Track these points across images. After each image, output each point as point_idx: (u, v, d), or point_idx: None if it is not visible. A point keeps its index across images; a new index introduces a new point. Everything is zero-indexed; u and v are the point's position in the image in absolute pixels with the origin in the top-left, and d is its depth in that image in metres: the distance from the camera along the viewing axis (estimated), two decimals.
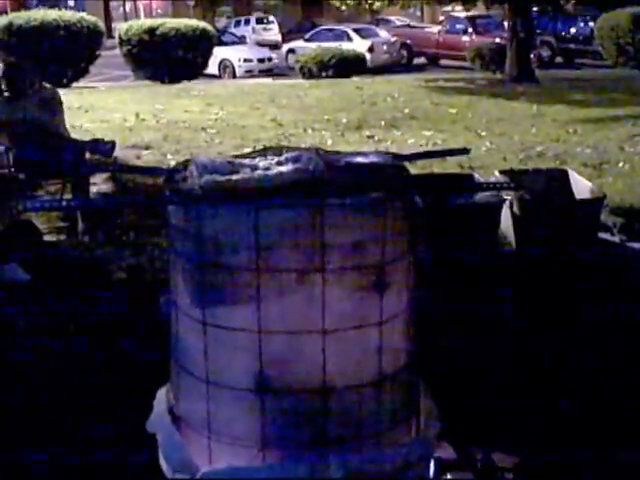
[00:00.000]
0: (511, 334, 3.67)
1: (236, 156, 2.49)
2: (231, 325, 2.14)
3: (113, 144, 5.73)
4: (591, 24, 21.20)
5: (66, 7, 18.01)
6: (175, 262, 2.28)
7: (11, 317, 3.81)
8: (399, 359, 2.27)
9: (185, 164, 2.36)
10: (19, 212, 5.16)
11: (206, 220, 2.11)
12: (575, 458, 2.75)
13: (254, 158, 2.39)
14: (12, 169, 5.46)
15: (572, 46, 22.26)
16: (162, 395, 2.48)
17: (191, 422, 2.28)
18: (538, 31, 20.21)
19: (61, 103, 5.77)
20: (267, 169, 2.23)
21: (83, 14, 17.48)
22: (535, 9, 19.47)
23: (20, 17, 16.42)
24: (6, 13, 17.89)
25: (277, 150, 2.47)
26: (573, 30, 22.94)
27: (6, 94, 5.77)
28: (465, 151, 2.99)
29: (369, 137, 9.44)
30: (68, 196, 5.56)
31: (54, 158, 5.28)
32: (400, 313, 2.24)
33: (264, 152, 2.47)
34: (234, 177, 2.17)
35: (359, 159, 2.42)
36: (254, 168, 2.25)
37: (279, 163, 2.28)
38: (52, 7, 17.60)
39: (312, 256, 2.07)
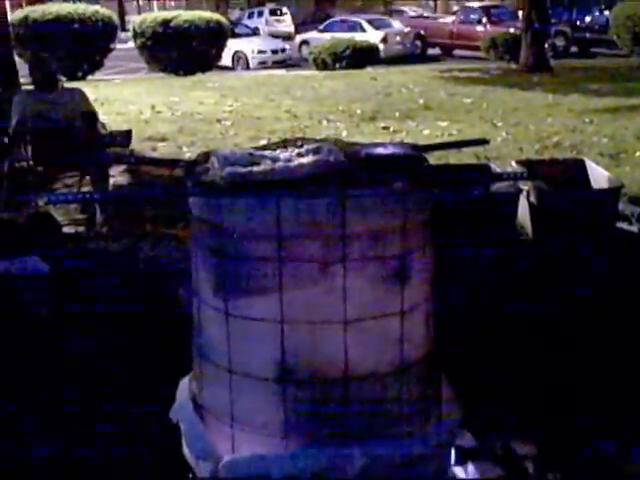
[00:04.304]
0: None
1: (256, 148, 2.50)
2: (253, 315, 2.16)
3: (129, 133, 5.76)
4: (606, 13, 21.05)
5: (80, 0, 18.00)
6: (197, 253, 2.30)
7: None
8: (420, 349, 2.28)
9: (205, 156, 2.38)
10: (38, 204, 5.21)
11: (228, 211, 2.13)
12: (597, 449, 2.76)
13: (274, 150, 2.40)
14: (30, 162, 5.51)
15: (587, 35, 22.09)
16: (185, 384, 2.51)
17: (214, 411, 2.30)
18: (553, 20, 20.06)
19: (86, 99, 5.80)
20: (288, 161, 2.25)
21: (97, 7, 17.52)
22: None
23: (35, 11, 16.49)
24: (22, 7, 17.94)
25: (297, 142, 2.48)
26: (588, 19, 22.77)
27: (31, 87, 5.83)
28: (484, 142, 2.99)
29: (384, 128, 9.42)
30: (85, 189, 5.61)
31: (72, 151, 5.32)
32: (421, 303, 2.25)
33: (284, 144, 2.49)
34: (255, 169, 2.18)
35: (379, 150, 2.43)
36: (275, 160, 2.27)
37: (300, 155, 2.29)
38: (66, 0, 17.62)
39: (334, 247, 2.09)
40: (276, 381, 2.16)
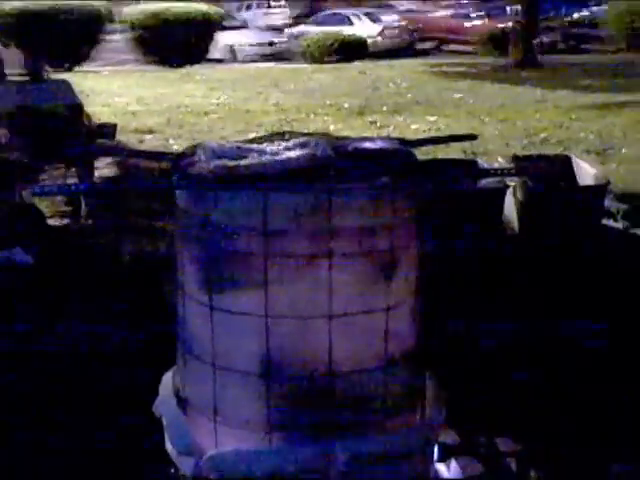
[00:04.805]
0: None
1: (244, 141, 2.49)
2: (238, 310, 2.14)
3: (115, 127, 5.75)
4: (594, 9, 21.11)
5: None
6: (182, 246, 2.28)
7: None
8: (405, 345, 2.27)
9: (192, 149, 2.36)
10: (22, 196, 5.17)
11: (214, 205, 2.12)
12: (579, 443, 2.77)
13: (262, 143, 2.39)
14: (16, 153, 5.47)
15: (576, 31, 22.14)
16: (168, 379, 2.49)
17: (197, 406, 2.28)
18: (542, 16, 20.09)
19: (72, 91, 5.78)
20: (275, 154, 2.23)
21: None
22: None
23: (22, 1, 16.38)
24: None
25: (284, 135, 2.47)
26: (577, 15, 22.82)
27: (16, 78, 5.80)
28: (472, 137, 3.00)
29: (372, 122, 9.43)
30: (70, 180, 5.58)
31: (58, 143, 5.29)
32: (407, 299, 2.25)
33: (271, 137, 2.47)
34: (242, 162, 2.17)
35: (367, 144, 2.41)
36: (262, 153, 2.25)
37: (287, 148, 2.28)
38: None
39: (320, 241, 2.07)
40: (260, 376, 2.15)
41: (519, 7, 16.24)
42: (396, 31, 22.19)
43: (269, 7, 30.90)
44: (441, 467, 2.54)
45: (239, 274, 2.13)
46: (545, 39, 20.78)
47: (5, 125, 5.45)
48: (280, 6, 31.08)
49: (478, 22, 21.54)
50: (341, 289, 2.11)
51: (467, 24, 21.87)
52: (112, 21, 21.86)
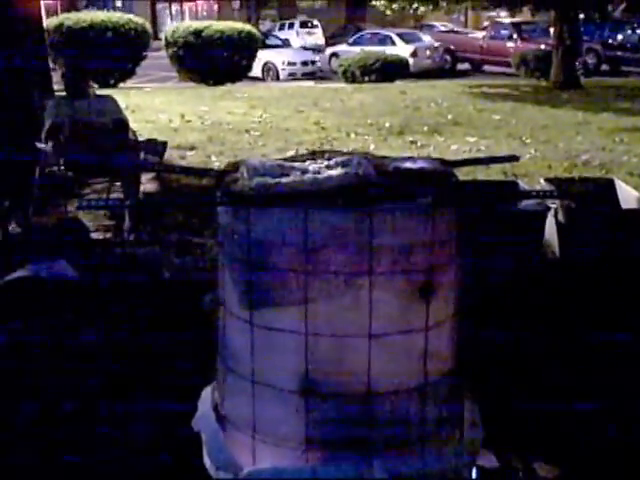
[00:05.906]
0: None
1: (285, 159, 2.51)
2: (278, 326, 2.16)
3: (165, 144, 5.82)
4: (638, 31, 20.90)
5: (114, 8, 18.29)
6: (224, 262, 2.31)
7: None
8: (444, 365, 2.27)
9: (235, 166, 2.39)
10: (68, 210, 5.26)
11: (256, 222, 2.14)
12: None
13: (304, 161, 2.41)
14: (61, 168, 5.57)
15: (619, 53, 21.94)
16: (207, 394, 2.51)
17: (236, 421, 2.30)
18: (584, 38, 19.95)
19: (118, 107, 5.88)
20: (317, 173, 2.25)
21: (131, 16, 17.74)
22: (582, 16, 19.24)
23: (70, 18, 16.76)
24: (57, 14, 18.23)
25: (326, 154, 2.49)
26: (620, 37, 22.62)
27: (64, 94, 5.91)
28: (514, 158, 2.97)
29: (412, 142, 9.42)
30: (114, 195, 5.66)
31: (102, 158, 5.37)
32: (446, 319, 2.24)
33: (313, 156, 2.49)
34: (284, 180, 2.19)
35: (408, 164, 2.42)
36: (304, 171, 2.27)
37: (329, 167, 2.30)
38: (101, 8, 17.91)
39: (360, 260, 2.08)
40: (299, 393, 2.16)
41: (562, 28, 16.11)
42: (428, 52, 22.20)
43: (307, 26, 31.18)
44: None
45: (279, 291, 2.14)
46: (588, 61, 20.65)
47: (53, 139, 5.55)
48: (316, 26, 31.36)
49: (519, 43, 21.46)
50: (381, 308, 2.11)
51: (508, 45, 21.80)
52: (157, 38, 22.25)
